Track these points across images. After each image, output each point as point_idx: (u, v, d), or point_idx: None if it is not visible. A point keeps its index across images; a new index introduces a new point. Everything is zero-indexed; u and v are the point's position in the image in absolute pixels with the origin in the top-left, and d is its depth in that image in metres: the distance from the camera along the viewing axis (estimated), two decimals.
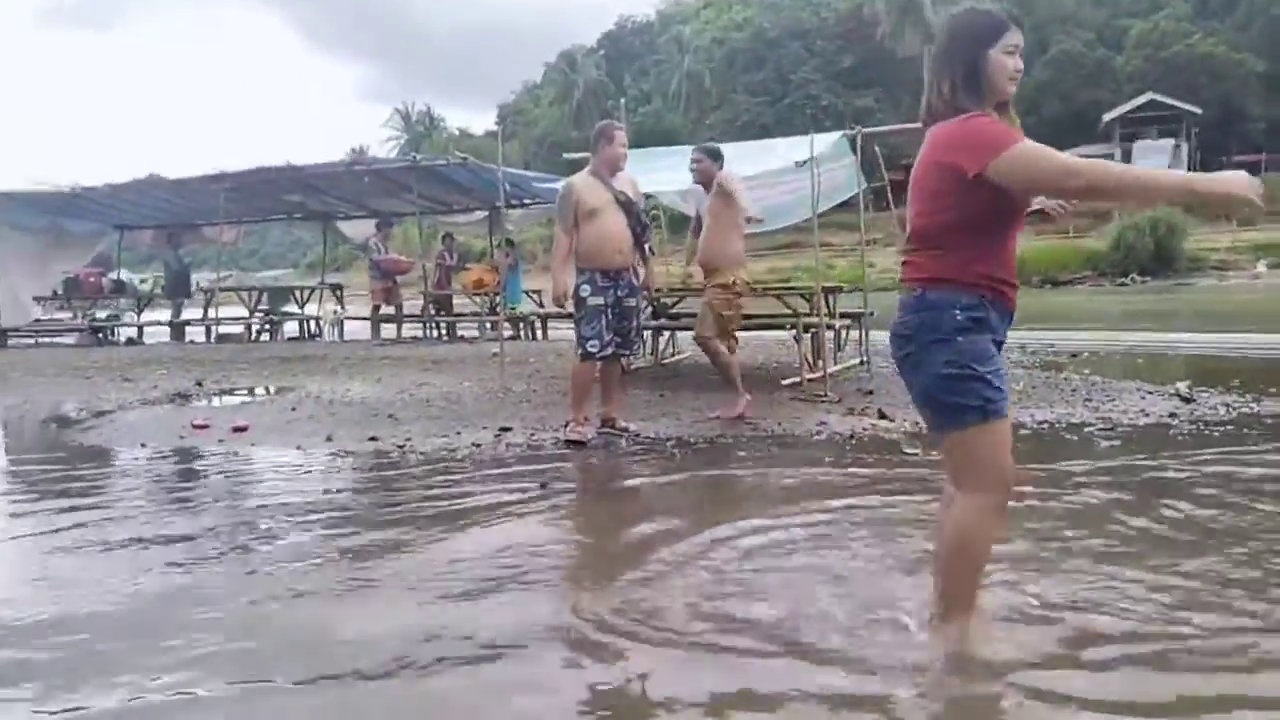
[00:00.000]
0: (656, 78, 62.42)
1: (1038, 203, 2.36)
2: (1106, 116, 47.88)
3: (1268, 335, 10.93)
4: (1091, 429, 5.18)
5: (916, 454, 4.46)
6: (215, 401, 7.79)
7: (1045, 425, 5.31)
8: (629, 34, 71.29)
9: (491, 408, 6.50)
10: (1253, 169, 48.01)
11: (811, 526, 3.35)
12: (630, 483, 4.35)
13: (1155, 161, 48.58)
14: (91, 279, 15.33)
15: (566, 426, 5.23)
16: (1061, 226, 43.15)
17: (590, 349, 5.10)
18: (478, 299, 13.20)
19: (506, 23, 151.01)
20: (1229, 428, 5.13)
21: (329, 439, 5.48)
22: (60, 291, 14.97)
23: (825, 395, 6.35)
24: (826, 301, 7.62)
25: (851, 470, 4.24)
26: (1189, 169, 47.96)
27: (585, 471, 4.59)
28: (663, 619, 2.49)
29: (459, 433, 5.53)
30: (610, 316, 5.10)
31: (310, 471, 4.71)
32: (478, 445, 5.16)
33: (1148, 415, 5.52)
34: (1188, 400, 5.80)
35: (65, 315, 15.19)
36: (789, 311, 7.58)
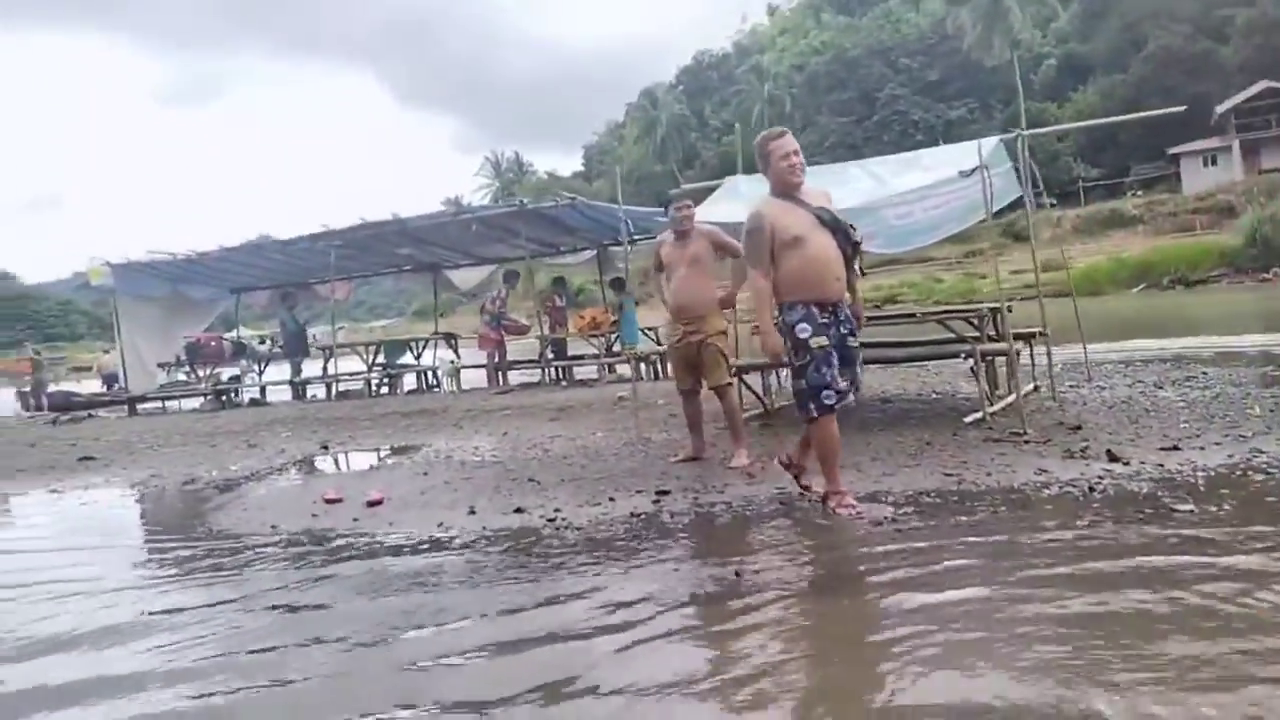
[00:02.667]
0: (738, 107, 62.12)
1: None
2: (1219, 109, 45.10)
3: None
4: None
5: (1190, 512, 3.63)
6: (343, 462, 7.44)
7: None
8: (707, 68, 71.48)
9: (637, 464, 5.89)
10: None
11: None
12: (915, 570, 3.23)
13: None
14: (212, 343, 15.56)
15: (827, 501, 4.21)
16: (1185, 224, 40.78)
17: (827, 400, 4.08)
18: (594, 341, 12.74)
19: (582, 68, 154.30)
20: None
21: (472, 511, 4.94)
22: (182, 357, 15.20)
23: (1024, 433, 5.51)
24: (995, 322, 6.81)
25: (1126, 542, 3.39)
26: None
27: (809, 551, 3.75)
28: None
29: (611, 499, 4.91)
30: (836, 356, 4.12)
31: (466, 563, 4.16)
32: (637, 515, 4.52)
33: None
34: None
35: (188, 379, 15.40)
36: (955, 337, 6.79)
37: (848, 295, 4.24)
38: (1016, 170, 7.19)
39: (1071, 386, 7.64)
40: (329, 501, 5.51)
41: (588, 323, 12.83)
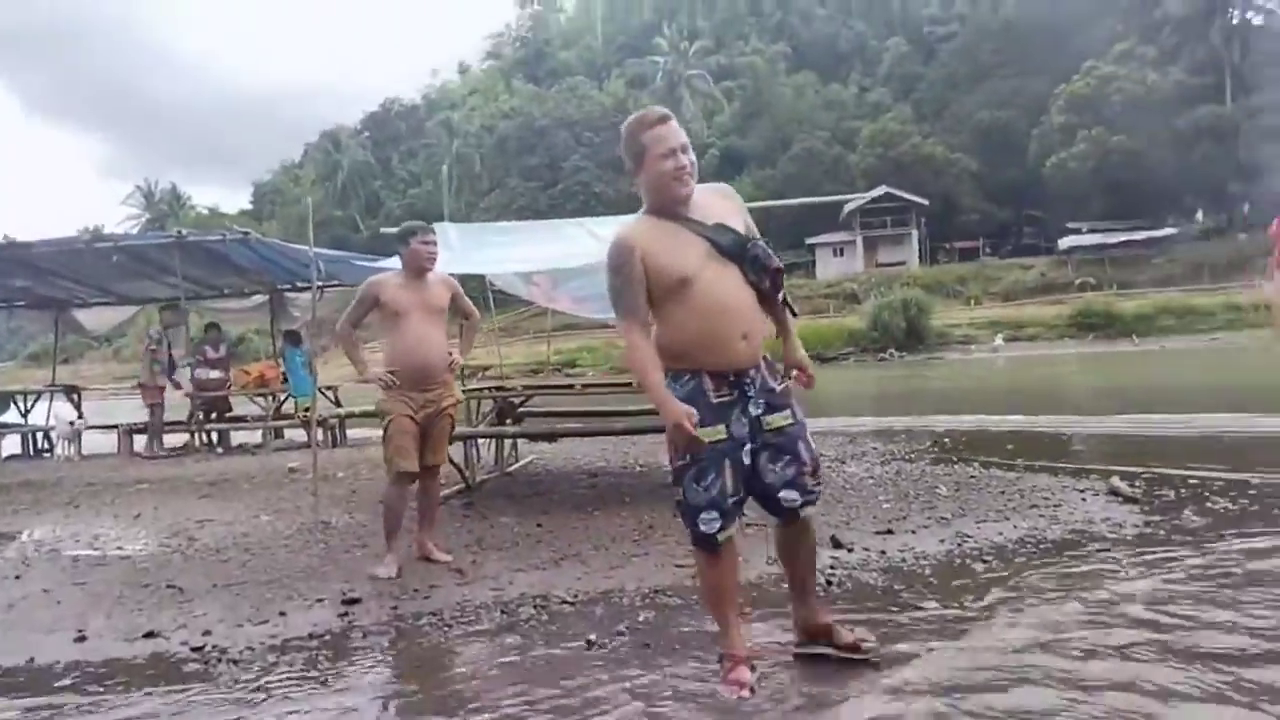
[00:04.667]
0: (426, 160, 61.26)
1: None
2: (847, 208, 52.24)
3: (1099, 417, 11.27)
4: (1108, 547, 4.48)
5: (935, 607, 3.48)
6: None
7: (1042, 543, 4.54)
8: (395, 116, 69.81)
9: (315, 559, 4.86)
10: (970, 254, 54.16)
11: None
12: None
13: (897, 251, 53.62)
14: None
15: (721, 664, 2.85)
16: (819, 306, 46.42)
17: (706, 527, 2.75)
18: (259, 400, 11.13)
19: (255, 101, 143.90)
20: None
21: (81, 637, 3.67)
22: None
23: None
24: None
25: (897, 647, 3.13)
26: (920, 255, 53.56)
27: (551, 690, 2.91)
28: None
29: (282, 612, 3.89)
30: (744, 458, 2.76)
31: None
32: (319, 636, 3.57)
33: (1144, 524, 4.93)
34: (1132, 499, 5.29)
35: None
36: None
37: (766, 356, 2.87)
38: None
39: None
40: None
41: (254, 379, 11.23)
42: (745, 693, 2.72)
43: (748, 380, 2.77)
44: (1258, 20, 54.72)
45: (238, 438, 11.57)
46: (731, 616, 2.87)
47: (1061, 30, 54.01)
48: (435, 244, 4.62)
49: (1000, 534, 4.66)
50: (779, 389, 2.84)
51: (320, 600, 4.04)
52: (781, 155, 56.67)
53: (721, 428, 2.72)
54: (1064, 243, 48.80)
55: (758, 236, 2.85)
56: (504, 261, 7.12)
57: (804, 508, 2.83)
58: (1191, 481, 5.80)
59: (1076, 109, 49.17)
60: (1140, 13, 55.84)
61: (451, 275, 4.87)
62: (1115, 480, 5.72)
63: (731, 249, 2.77)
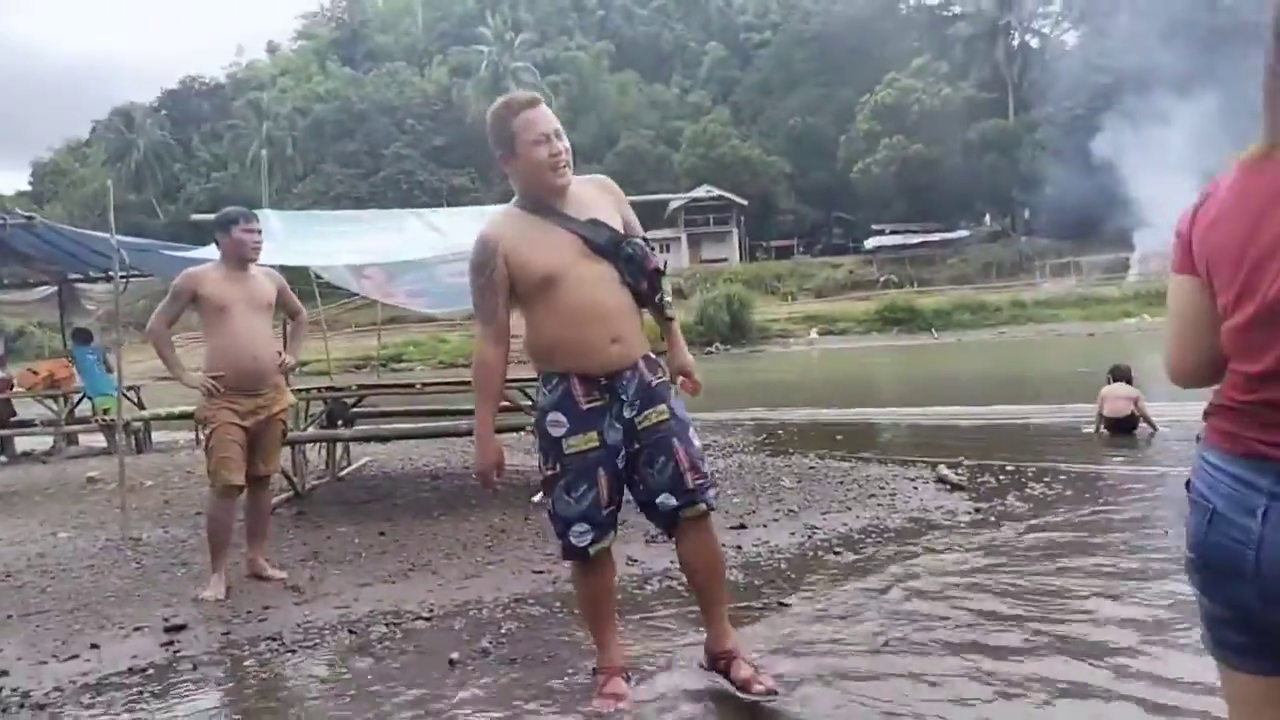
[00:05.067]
0: (233, 142, 57.36)
1: None
2: (672, 205, 53.47)
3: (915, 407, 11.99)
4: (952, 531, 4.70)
5: (795, 603, 3.54)
6: None
7: (885, 532, 4.73)
8: (197, 95, 64.85)
9: (127, 581, 4.38)
10: (785, 253, 56.88)
11: None
12: None
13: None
14: None
15: (595, 676, 2.74)
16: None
17: (577, 540, 2.57)
18: (49, 403, 9.99)
19: (31, 72, 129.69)
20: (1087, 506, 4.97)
21: None
22: None
23: None
24: None
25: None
26: (740, 253, 55.61)
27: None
28: None
29: (94, 644, 3.42)
30: (619, 463, 2.59)
31: None
32: (140, 670, 3.18)
33: (987, 510, 5.22)
34: (959, 487, 5.64)
35: None
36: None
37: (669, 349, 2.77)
38: None
39: None
40: None
41: (43, 379, 10.06)
42: (622, 704, 2.60)
43: (621, 383, 2.58)
44: (1034, 43, 60.50)
45: (22, 444, 10.34)
46: (607, 628, 2.73)
47: (866, 43, 57.56)
48: (260, 233, 4.19)
49: (845, 525, 4.83)
50: (655, 382, 2.64)
51: (139, 628, 3.62)
52: (608, 152, 57.14)
53: (594, 434, 2.54)
54: (869, 243, 52.17)
55: (639, 233, 2.69)
56: (334, 253, 6.69)
57: (683, 510, 2.59)
58: (1009, 469, 6.26)
59: (880, 117, 52.50)
60: (935, 30, 60.37)
61: (272, 267, 4.50)
62: (942, 469, 6.09)
63: (605, 247, 2.57)
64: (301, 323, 4.59)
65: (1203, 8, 45.75)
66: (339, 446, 7.29)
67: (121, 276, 6.19)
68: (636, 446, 2.60)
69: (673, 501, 2.59)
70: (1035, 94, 53.07)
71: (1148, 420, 7.40)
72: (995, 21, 57.05)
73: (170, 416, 9.84)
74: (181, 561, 4.68)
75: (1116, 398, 7.47)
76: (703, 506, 2.61)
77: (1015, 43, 58.38)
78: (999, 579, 3.71)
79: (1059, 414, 9.49)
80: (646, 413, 2.60)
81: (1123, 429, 7.42)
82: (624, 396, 2.59)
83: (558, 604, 3.68)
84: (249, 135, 57.44)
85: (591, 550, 2.58)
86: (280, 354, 4.22)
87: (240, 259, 4.12)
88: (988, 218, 55.55)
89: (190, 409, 10.42)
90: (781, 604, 3.55)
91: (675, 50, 71.33)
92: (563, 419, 2.54)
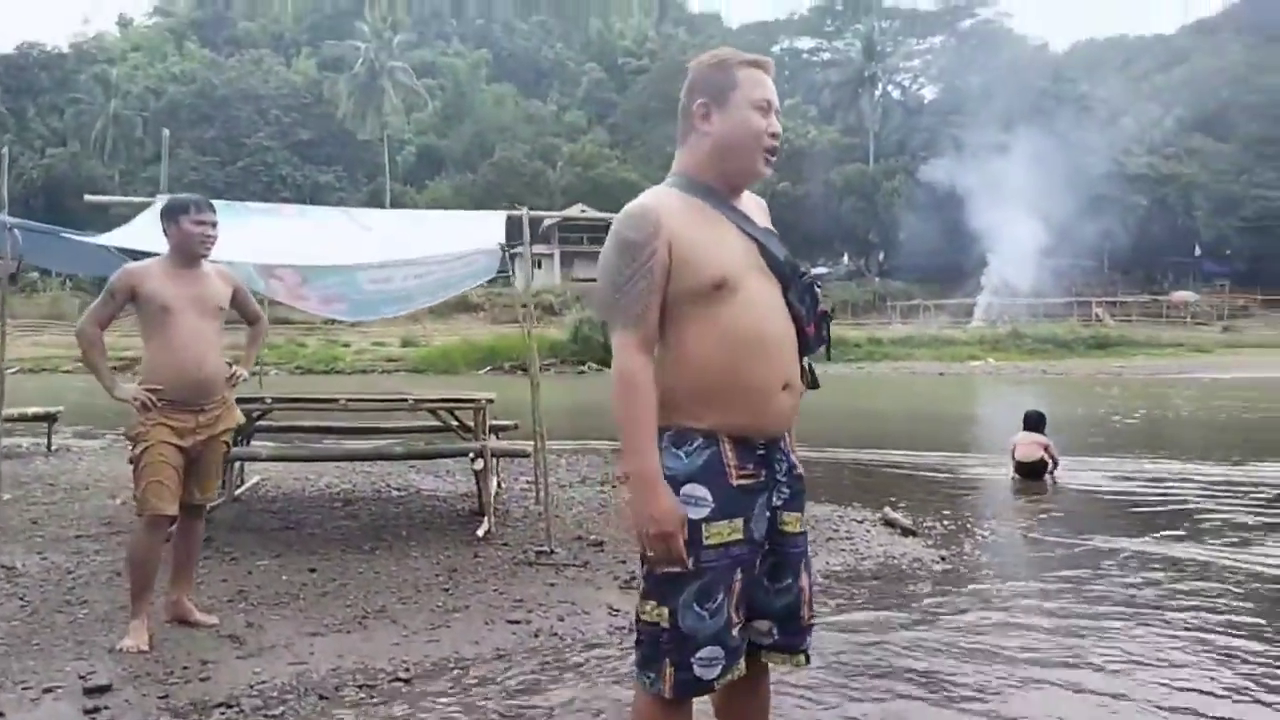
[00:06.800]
0: (74, 118, 52.89)
1: None
2: (546, 222, 53.18)
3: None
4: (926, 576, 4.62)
5: None
6: None
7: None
8: (34, 64, 59.39)
9: (16, 624, 3.71)
10: None
11: None
12: None
13: None
14: None
15: None
16: (513, 316, 46.77)
17: (702, 672, 1.84)
18: None
19: None
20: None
21: None
22: None
23: (552, 551, 4.89)
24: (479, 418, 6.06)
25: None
26: None
27: None
28: None
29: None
30: (757, 563, 1.91)
31: None
32: None
33: (945, 560, 5.19)
34: (911, 532, 5.64)
35: None
36: (444, 428, 5.96)
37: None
38: (501, 247, 6.80)
39: (529, 482, 7.19)
40: None
41: None
42: None
43: (778, 455, 1.95)
44: (896, 94, 64.10)
45: None
46: None
47: None
48: (214, 225, 3.62)
49: (825, 564, 4.74)
50: (800, 470, 2.01)
51: (49, 690, 3.03)
52: (482, 162, 56.25)
53: (740, 523, 1.85)
54: None
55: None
56: (250, 251, 6.05)
57: (776, 652, 1.98)
58: (946, 513, 6.35)
59: None
60: (805, 74, 63.01)
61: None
62: (888, 510, 6.09)
63: (782, 265, 1.95)
64: (259, 329, 4.07)
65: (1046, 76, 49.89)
66: (235, 465, 6.60)
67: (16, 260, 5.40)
68: (767, 548, 1.93)
69: (774, 636, 1.97)
70: (894, 143, 56.17)
71: (1054, 461, 7.73)
72: (862, 71, 60.04)
73: (24, 418, 8.72)
74: (79, 599, 4.04)
75: (1028, 443, 7.78)
76: (802, 658, 2.01)
77: (878, 93, 61.61)
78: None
79: (962, 460, 9.83)
80: (794, 513, 1.98)
81: (1033, 474, 7.72)
82: (779, 476, 1.95)
83: (549, 658, 3.36)
84: (94, 112, 53.09)
85: (719, 684, 1.88)
86: (231, 365, 3.71)
87: (189, 254, 3.58)
88: (846, 257, 58.07)
89: (51, 410, 9.37)
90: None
91: (554, 67, 71.24)
92: (705, 495, 1.83)
